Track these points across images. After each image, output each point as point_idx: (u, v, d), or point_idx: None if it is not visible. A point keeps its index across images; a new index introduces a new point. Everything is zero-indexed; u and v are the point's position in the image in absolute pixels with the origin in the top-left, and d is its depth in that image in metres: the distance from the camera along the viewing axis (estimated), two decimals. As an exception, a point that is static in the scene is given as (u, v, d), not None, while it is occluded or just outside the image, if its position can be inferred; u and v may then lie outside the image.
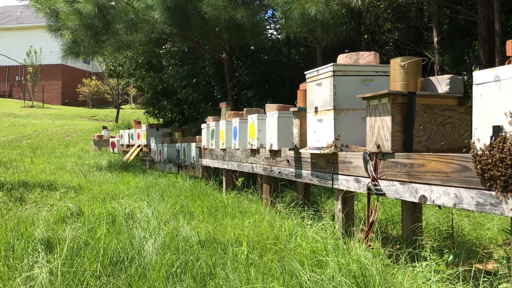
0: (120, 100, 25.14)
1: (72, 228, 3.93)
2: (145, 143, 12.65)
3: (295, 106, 4.60)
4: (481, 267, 3.22)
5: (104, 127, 17.75)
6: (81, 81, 33.48)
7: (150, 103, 17.65)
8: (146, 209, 4.87)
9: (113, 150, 15.48)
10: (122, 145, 14.95)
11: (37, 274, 2.78)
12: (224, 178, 7.06)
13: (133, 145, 13.68)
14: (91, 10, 9.31)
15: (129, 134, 14.23)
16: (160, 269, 2.93)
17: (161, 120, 17.98)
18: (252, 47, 12.84)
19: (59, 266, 2.83)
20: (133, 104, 34.37)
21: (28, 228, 4.07)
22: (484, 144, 2.34)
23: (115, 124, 22.84)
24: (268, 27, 13.98)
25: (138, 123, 14.21)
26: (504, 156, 2.22)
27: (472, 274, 2.67)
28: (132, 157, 12.68)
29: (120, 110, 25.73)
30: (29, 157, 13.57)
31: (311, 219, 4.22)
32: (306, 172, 4.36)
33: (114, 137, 15.91)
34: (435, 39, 8.87)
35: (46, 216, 4.75)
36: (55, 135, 19.33)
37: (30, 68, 29.69)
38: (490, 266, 3.37)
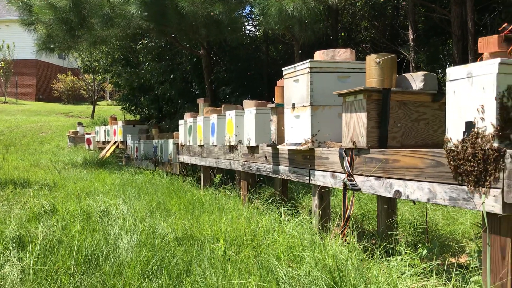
0: (96, 96, 24.77)
1: (46, 226, 3.86)
2: (122, 140, 12.50)
3: (273, 102, 4.60)
4: (454, 261, 3.28)
5: (80, 124, 17.46)
6: (56, 76, 32.81)
7: (127, 99, 17.44)
8: (122, 206, 4.82)
9: (88, 147, 15.25)
10: (98, 141, 14.75)
11: (8, 273, 2.72)
12: (201, 175, 7.03)
13: (109, 142, 13.50)
14: (66, 4, 9.13)
15: (105, 130, 14.04)
16: (135, 266, 2.90)
17: (138, 116, 17.80)
18: (230, 43, 12.79)
19: (31, 265, 2.78)
20: (109, 100, 33.91)
21: None
22: (457, 139, 2.38)
23: (91, 120, 22.50)
24: (246, 23, 13.96)
25: (115, 119, 14.03)
26: (476, 151, 2.26)
27: (445, 268, 2.72)
28: (108, 154, 12.52)
29: (96, 106, 25.36)
30: (1, 153, 13.27)
31: (289, 215, 4.23)
32: (283, 168, 4.38)
33: (90, 133, 15.68)
34: (411, 37, 8.99)
35: (19, 213, 4.66)
36: (29, 131, 18.94)
37: (3, 63, 28.97)
38: (463, 259, 3.44)
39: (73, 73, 30.95)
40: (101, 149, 14.02)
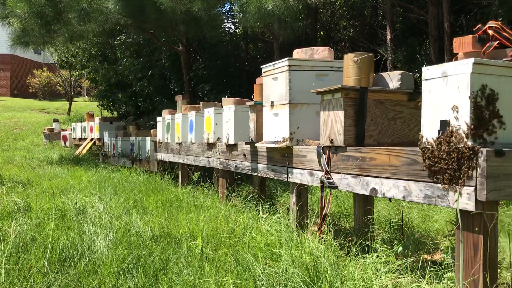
0: (72, 92, 24.40)
1: (19, 224, 3.78)
2: (98, 137, 12.33)
3: (252, 100, 4.60)
4: (429, 258, 3.33)
5: (56, 120, 17.18)
6: (31, 72, 32.15)
7: (104, 95, 17.22)
8: (98, 204, 4.75)
9: (64, 143, 15.00)
10: (74, 138, 14.52)
11: (-21, 272, 2.65)
12: (179, 173, 6.99)
13: (85, 139, 13.31)
14: (41, -2, 8.96)
15: (81, 127, 13.83)
16: (111, 265, 2.87)
17: (115, 113, 17.59)
18: (210, 41, 12.73)
19: (3, 263, 2.72)
20: (86, 96, 33.42)
21: (-29, 224, 3.89)
22: (432, 138, 2.42)
23: (67, 117, 22.15)
24: (225, 20, 13.94)
25: (91, 116, 13.84)
26: (450, 150, 2.29)
27: (420, 265, 2.76)
28: (84, 151, 12.34)
29: (73, 102, 24.98)
30: (-26, 150, 12.96)
31: (267, 213, 4.24)
32: (262, 166, 4.38)
33: (66, 130, 15.43)
34: (389, 37, 9.10)
35: (-9, 211, 4.55)
36: (3, 127, 18.55)
37: (-24, 57, 28.28)
38: (437, 256, 3.49)
39: (49, 68, 30.39)
40: (78, 146, 13.82)
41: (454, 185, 2.28)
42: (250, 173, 4.68)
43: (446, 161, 2.31)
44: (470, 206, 2.19)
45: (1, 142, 15.98)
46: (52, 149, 13.96)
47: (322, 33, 13.69)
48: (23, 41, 10.68)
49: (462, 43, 2.48)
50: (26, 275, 2.68)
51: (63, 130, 15.68)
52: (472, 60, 2.20)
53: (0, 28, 11.12)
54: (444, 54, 7.72)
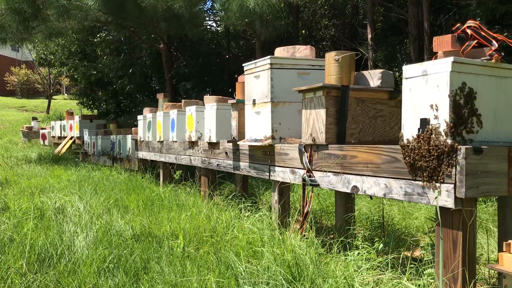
0: (51, 90, 24.04)
1: (-4, 224, 3.70)
2: (78, 135, 12.17)
3: (234, 98, 4.59)
4: (409, 254, 3.37)
5: (34, 118, 16.89)
6: (9, 69, 31.53)
7: (84, 93, 17.01)
8: (78, 203, 4.69)
9: (43, 142, 14.76)
10: (54, 137, 14.30)
11: (-45, 273, 2.59)
12: (161, 171, 6.94)
13: (65, 137, 13.12)
14: (19, -6, 8.79)
15: (61, 125, 13.63)
16: (91, 264, 2.83)
17: (95, 111, 17.38)
18: (191, 38, 12.67)
19: (-20, 264, 2.66)
20: (66, 94, 32.93)
21: None
22: (412, 136, 2.44)
23: (47, 115, 21.80)
24: (207, 18, 13.86)
25: (71, 114, 13.64)
26: (430, 147, 2.32)
27: (400, 261, 2.79)
28: (64, 150, 12.16)
29: (52, 100, 24.60)
30: (-51, 149, 12.67)
31: (249, 211, 4.23)
32: (244, 164, 4.37)
33: (45, 128, 15.18)
34: (369, 36, 9.17)
35: (-33, 211, 4.45)
36: (-21, 126, 18.17)
37: (-49, 54, 27.62)
38: (417, 253, 3.54)
39: (28, 66, 29.86)
40: (57, 144, 13.61)
41: (434, 182, 2.31)
42: (232, 172, 4.68)
43: (426, 159, 2.34)
44: (450, 203, 2.22)
45: (-23, 140, 15.65)
46: (31, 148, 13.72)
47: (303, 31, 13.73)
48: (0, 38, 10.48)
49: (442, 42, 2.51)
50: (4, 276, 2.63)
51: (42, 128, 15.43)
52: (451, 59, 2.23)
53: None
54: (424, 53, 7.81)
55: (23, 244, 3.12)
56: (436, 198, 2.26)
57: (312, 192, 3.34)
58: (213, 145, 5.05)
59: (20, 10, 9.27)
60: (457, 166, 2.19)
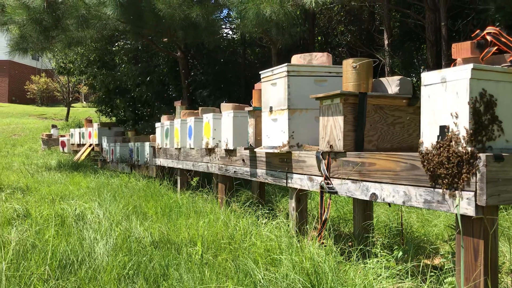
0: (70, 98, 24.40)
1: (19, 230, 3.77)
2: (97, 143, 12.32)
3: (251, 105, 4.61)
4: (429, 262, 3.34)
5: (54, 126, 17.17)
6: (29, 78, 32.16)
7: (102, 101, 17.21)
8: (97, 210, 4.75)
9: (63, 149, 14.98)
10: (73, 144, 14.50)
11: (-20, 279, 2.65)
12: (178, 178, 6.98)
13: (84, 145, 13.30)
14: (40, 4, 8.98)
15: (80, 133, 13.82)
16: (111, 271, 2.86)
17: (113, 119, 17.57)
18: (208, 46, 12.77)
19: (3, 270, 2.71)
20: (84, 102, 33.41)
21: (-30, 231, 3.88)
22: (432, 143, 2.43)
23: (66, 122, 22.13)
24: (223, 26, 13.97)
25: (90, 121, 13.83)
26: (450, 155, 2.30)
27: (420, 269, 2.77)
28: (83, 157, 12.32)
29: (71, 108, 24.97)
30: (-28, 157, 12.93)
31: (266, 218, 4.24)
32: (261, 171, 4.38)
33: (64, 136, 15.41)
34: (386, 42, 9.14)
35: (-10, 218, 4.54)
36: (1, 134, 18.52)
37: (-26, 63, 28.27)
38: (437, 261, 3.50)
39: (47, 74, 30.42)
40: (76, 151, 13.80)
41: (453, 190, 2.29)
42: (249, 179, 4.69)
43: (446, 166, 2.32)
44: (470, 211, 2.20)
45: (-1, 148, 15.96)
46: (51, 155, 13.94)
47: (319, 38, 13.74)
48: (21, 48, 10.70)
49: (461, 48, 2.50)
50: (27, 282, 2.68)
51: (61, 136, 15.66)
52: (471, 65, 2.22)
53: (-1, 34, 11.14)
54: (442, 59, 7.75)
55: (44, 250, 3.17)
56: (456, 206, 2.24)
57: (330, 199, 3.34)
58: (230, 152, 5.08)
59: (41, 20, 9.46)
60: (478, 173, 2.17)
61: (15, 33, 10.69)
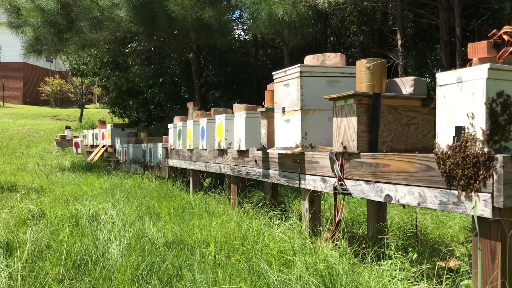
0: (84, 100, 24.61)
1: (34, 231, 3.81)
2: (110, 144, 12.40)
3: (263, 106, 4.61)
4: (444, 265, 3.30)
5: (67, 127, 17.32)
6: (43, 79, 32.49)
7: (115, 102, 17.33)
8: (111, 210, 4.78)
9: (76, 150, 15.11)
10: (86, 145, 14.63)
11: (-4, 279, 2.68)
12: (191, 179, 7.00)
13: (97, 146, 13.40)
14: (54, 7, 9.07)
15: (93, 134, 13.93)
16: (125, 271, 2.88)
17: (126, 120, 17.69)
18: (220, 47, 12.79)
19: (19, 270, 2.74)
20: (97, 103, 33.67)
21: (-14, 231, 3.92)
22: (447, 144, 2.40)
23: (79, 124, 22.32)
24: (235, 27, 13.97)
25: (103, 123, 13.93)
26: (466, 156, 2.28)
27: (435, 272, 2.73)
28: (96, 158, 12.42)
29: (84, 109, 25.18)
30: (-13, 157, 13.10)
31: (279, 219, 4.23)
32: (273, 172, 4.37)
33: (78, 137, 15.55)
34: (399, 42, 9.07)
35: (6, 218, 4.59)
36: (16, 135, 18.75)
37: (-11, 66, 28.64)
38: (452, 263, 3.46)
39: (61, 76, 30.71)
40: (89, 152, 13.91)
41: (470, 191, 2.26)
42: (262, 180, 4.68)
43: (462, 168, 2.29)
44: (487, 213, 2.17)
45: (14, 149, 16.15)
46: (64, 156, 14.07)
47: (332, 38, 13.68)
48: (36, 50, 10.82)
49: (477, 48, 2.47)
50: (42, 282, 2.70)
51: (75, 137, 15.80)
52: (487, 65, 2.19)
53: (13, 37, 11.28)
54: (456, 59, 7.68)
55: (59, 251, 3.19)
56: (473, 208, 2.21)
57: (344, 200, 3.32)
58: (242, 153, 5.08)
59: (55, 23, 9.56)
60: (495, 175, 2.14)
61: (30, 36, 10.82)
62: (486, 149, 2.19)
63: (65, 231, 3.74)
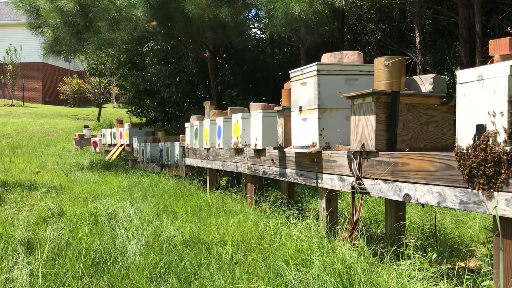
0: (102, 99, 24.87)
1: (53, 229, 3.86)
2: (128, 143, 12.51)
3: (279, 105, 4.59)
4: (464, 265, 3.25)
5: (86, 126, 17.52)
6: (62, 79, 32.96)
7: (133, 102, 17.47)
8: (129, 209, 4.82)
9: (95, 149, 15.28)
10: (104, 144, 14.78)
11: (17, 276, 2.72)
12: (208, 178, 7.03)
13: (115, 145, 13.53)
14: (73, 8, 9.18)
15: (111, 133, 14.07)
16: (143, 270, 2.90)
17: (144, 119, 17.82)
18: (236, 46, 12.80)
19: (40, 267, 2.78)
20: (115, 103, 34.00)
21: (8, 228, 3.99)
22: (468, 143, 2.36)
23: (97, 123, 22.57)
24: (252, 26, 13.97)
25: (121, 122, 14.06)
26: (487, 155, 2.24)
27: (455, 272, 2.70)
28: (114, 157, 12.54)
29: (102, 109, 25.45)
30: (8, 156, 13.33)
31: (296, 218, 4.21)
32: (290, 171, 4.36)
33: (96, 136, 15.72)
34: (417, 39, 8.96)
35: (27, 216, 4.67)
36: (35, 134, 19.04)
37: (10, 66, 29.13)
38: (473, 263, 3.41)
39: (79, 76, 31.09)
40: (107, 151, 14.05)
41: (491, 190, 2.22)
42: (279, 179, 4.67)
43: (483, 167, 2.25)
44: (509, 213, 2.13)
45: (34, 148, 16.41)
46: (83, 155, 14.25)
47: (349, 36, 13.59)
48: (55, 50, 10.98)
49: (499, 45, 2.42)
50: (62, 279, 2.74)
51: (93, 136, 15.98)
52: (509, 62, 2.15)
53: (33, 37, 11.46)
54: (475, 56, 7.55)
55: (78, 249, 3.23)
56: (495, 207, 2.18)
57: (362, 200, 3.29)
58: (259, 152, 5.07)
59: (74, 23, 9.68)
60: (517, 174, 2.10)
61: (49, 36, 10.98)
62: (508, 148, 2.15)
63: (84, 229, 3.78)
